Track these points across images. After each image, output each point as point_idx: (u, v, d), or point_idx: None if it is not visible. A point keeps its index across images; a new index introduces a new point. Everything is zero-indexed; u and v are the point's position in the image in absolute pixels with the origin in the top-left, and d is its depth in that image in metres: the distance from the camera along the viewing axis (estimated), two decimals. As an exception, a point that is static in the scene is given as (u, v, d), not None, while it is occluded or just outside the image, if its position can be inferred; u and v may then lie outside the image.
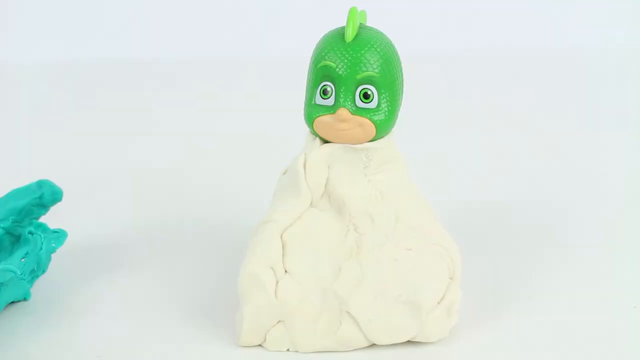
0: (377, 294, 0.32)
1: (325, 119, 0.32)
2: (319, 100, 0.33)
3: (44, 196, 0.39)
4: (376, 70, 0.32)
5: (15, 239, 0.39)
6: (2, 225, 0.38)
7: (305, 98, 0.34)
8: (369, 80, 0.32)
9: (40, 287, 0.39)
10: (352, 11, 0.32)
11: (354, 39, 0.32)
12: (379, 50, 0.32)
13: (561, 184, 0.51)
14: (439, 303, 0.33)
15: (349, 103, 0.32)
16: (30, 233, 0.38)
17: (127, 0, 0.88)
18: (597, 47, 0.79)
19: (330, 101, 0.32)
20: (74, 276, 0.40)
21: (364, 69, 0.32)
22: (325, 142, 0.34)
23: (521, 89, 0.72)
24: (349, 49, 0.32)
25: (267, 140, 0.61)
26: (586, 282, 0.39)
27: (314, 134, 0.34)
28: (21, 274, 0.36)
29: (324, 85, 0.32)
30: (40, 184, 0.39)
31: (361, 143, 0.33)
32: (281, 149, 0.56)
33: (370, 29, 0.33)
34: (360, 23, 0.32)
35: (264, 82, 0.74)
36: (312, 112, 0.33)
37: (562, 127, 0.62)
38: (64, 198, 0.40)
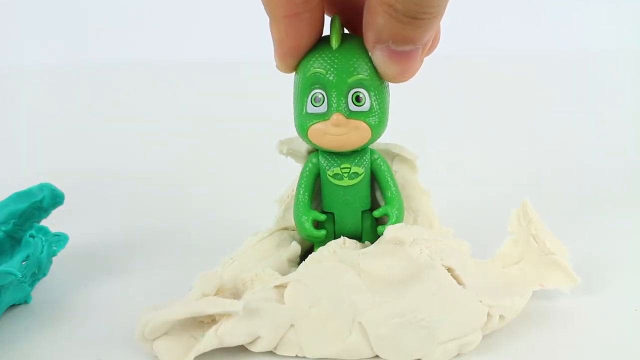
0: (397, 315, 0.31)
1: (319, 126, 0.32)
2: (310, 108, 0.32)
3: (45, 200, 0.39)
4: (366, 73, 0.32)
5: (16, 242, 0.39)
6: (3, 228, 0.38)
7: (295, 110, 0.33)
8: (359, 84, 0.32)
9: (41, 290, 0.39)
10: (335, 18, 0.32)
11: (339, 45, 0.32)
12: (365, 54, 0.32)
13: (562, 186, 0.51)
14: (454, 340, 0.32)
15: (343, 108, 0.32)
16: (32, 236, 0.38)
17: (129, 2, 0.88)
18: (597, 49, 0.79)
19: (322, 108, 0.32)
20: (75, 279, 0.40)
21: (354, 72, 0.32)
22: (319, 150, 0.34)
23: (520, 91, 0.72)
24: (337, 55, 0.32)
25: (267, 142, 0.60)
26: (587, 283, 0.39)
27: (308, 144, 0.34)
28: (22, 277, 0.36)
29: (315, 92, 0.32)
30: (42, 187, 0.39)
31: (357, 147, 0.33)
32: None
33: (352, 35, 0.33)
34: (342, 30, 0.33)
35: (264, 84, 0.74)
36: (304, 122, 0.33)
37: (563, 129, 0.62)
38: (65, 200, 0.40)
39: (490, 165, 0.55)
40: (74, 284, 0.39)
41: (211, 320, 0.33)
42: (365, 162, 0.34)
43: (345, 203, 0.34)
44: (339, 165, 0.34)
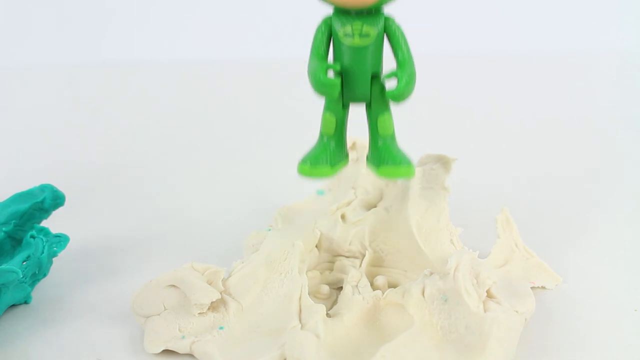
0: None
1: None
2: None
3: (46, 201, 0.39)
4: None
5: (17, 242, 0.39)
6: (4, 229, 0.38)
7: None
8: None
9: (41, 290, 0.39)
10: None
11: None
12: None
13: (563, 186, 0.51)
14: None
15: None
16: (32, 237, 0.38)
17: (132, 2, 0.89)
18: (596, 51, 0.79)
19: None
20: (74, 279, 0.40)
21: None
22: (333, 11, 0.34)
23: (520, 94, 0.72)
24: None
25: (269, 144, 0.61)
26: (587, 283, 0.39)
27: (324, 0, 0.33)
28: (22, 277, 0.36)
29: None
30: (43, 188, 0.39)
31: (372, 3, 0.32)
32: (282, 151, 0.56)
33: None
34: None
35: (262, 85, 0.74)
36: None
37: (563, 130, 0.62)
38: (65, 201, 0.40)
39: (490, 170, 0.55)
40: (74, 284, 0.40)
41: (199, 314, 0.34)
42: (378, 24, 0.33)
43: (355, 64, 0.34)
44: (351, 24, 0.33)
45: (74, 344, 0.35)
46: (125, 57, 0.86)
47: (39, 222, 0.40)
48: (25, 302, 0.38)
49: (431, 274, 0.33)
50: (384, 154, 0.35)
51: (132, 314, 0.35)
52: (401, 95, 0.33)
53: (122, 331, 0.36)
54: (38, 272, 0.38)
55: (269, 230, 0.39)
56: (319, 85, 0.33)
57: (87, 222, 0.46)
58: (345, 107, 0.35)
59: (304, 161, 0.35)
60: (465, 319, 0.31)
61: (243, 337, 0.33)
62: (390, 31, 0.34)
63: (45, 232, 0.39)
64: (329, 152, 0.35)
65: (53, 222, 0.40)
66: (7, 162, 0.58)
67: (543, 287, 0.37)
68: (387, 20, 0.34)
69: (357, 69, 0.34)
